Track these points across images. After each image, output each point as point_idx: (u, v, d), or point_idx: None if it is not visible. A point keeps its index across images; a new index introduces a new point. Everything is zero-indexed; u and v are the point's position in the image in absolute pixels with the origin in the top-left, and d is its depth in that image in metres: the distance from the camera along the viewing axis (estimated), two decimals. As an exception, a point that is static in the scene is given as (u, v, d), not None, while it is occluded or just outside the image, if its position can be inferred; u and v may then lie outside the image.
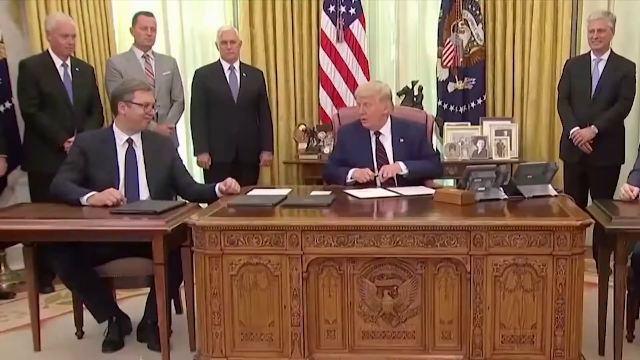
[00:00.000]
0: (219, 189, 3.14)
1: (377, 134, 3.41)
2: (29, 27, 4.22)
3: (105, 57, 4.50)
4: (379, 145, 3.41)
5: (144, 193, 3.11)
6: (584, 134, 3.94)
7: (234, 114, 4.25)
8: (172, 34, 5.06)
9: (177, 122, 4.40)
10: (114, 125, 3.16)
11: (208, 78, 4.28)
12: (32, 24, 4.19)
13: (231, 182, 3.15)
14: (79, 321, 3.21)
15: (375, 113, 3.33)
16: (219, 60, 4.36)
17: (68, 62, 3.93)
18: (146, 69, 4.22)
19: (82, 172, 3.05)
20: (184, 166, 3.36)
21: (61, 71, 3.90)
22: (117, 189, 3.02)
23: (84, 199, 2.92)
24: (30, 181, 4.02)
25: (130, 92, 3.08)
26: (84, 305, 3.15)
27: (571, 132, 4.00)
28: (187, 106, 4.41)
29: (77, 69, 3.97)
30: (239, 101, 4.28)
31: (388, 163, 3.38)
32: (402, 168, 3.30)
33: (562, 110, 4.13)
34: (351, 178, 3.33)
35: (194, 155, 4.39)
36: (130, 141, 3.13)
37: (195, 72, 4.40)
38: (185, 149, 4.90)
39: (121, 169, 3.08)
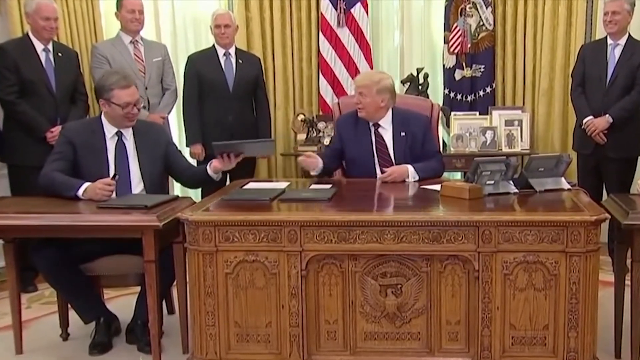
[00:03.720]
0: (211, 168, 3.13)
1: (376, 125, 3.41)
2: (7, 9, 4.20)
3: (91, 42, 4.49)
4: (379, 138, 3.41)
5: (137, 187, 3.12)
6: (597, 124, 3.94)
7: (229, 103, 4.26)
8: (162, 18, 5.06)
9: (169, 111, 4.40)
10: (102, 116, 3.16)
11: (202, 65, 4.29)
12: (11, 6, 4.17)
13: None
14: (64, 322, 3.22)
15: (370, 104, 3.33)
16: (213, 45, 4.36)
17: (50, 46, 3.92)
18: (135, 54, 4.21)
19: (71, 162, 3.05)
20: (179, 151, 3.37)
21: (42, 56, 3.89)
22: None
23: (80, 193, 2.92)
24: (10, 173, 4.01)
25: (108, 90, 3.05)
26: (69, 306, 3.15)
27: (584, 121, 4.00)
28: (180, 94, 4.41)
29: (59, 54, 3.96)
30: (234, 89, 4.28)
31: (389, 156, 3.38)
32: (411, 176, 3.26)
33: (575, 98, 4.14)
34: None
35: (187, 146, 4.39)
36: (119, 134, 3.13)
37: (188, 58, 4.40)
38: (177, 140, 4.90)
39: (111, 163, 3.09)
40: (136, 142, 3.15)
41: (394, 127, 3.40)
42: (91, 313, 3.09)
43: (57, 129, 3.58)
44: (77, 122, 3.43)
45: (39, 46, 3.88)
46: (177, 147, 3.36)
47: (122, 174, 3.07)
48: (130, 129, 3.15)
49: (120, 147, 3.13)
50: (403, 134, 3.39)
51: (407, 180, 3.24)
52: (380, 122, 3.40)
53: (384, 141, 3.40)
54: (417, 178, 3.24)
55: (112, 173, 3.04)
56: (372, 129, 3.41)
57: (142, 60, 4.22)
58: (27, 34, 3.91)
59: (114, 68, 3.93)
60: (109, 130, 3.12)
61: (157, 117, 4.14)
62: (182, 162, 3.28)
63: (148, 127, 3.31)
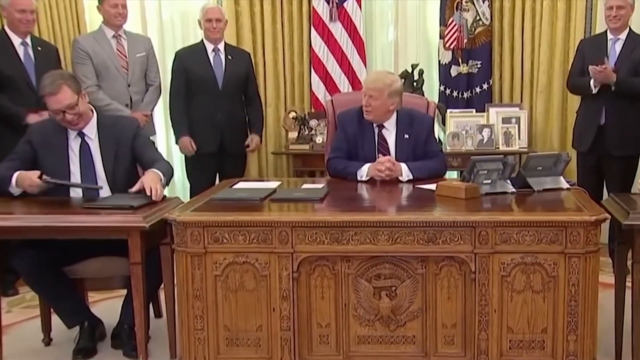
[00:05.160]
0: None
1: (380, 127, 3.39)
2: (-17, 3, 4.18)
3: (74, 37, 4.48)
4: (382, 140, 3.39)
5: (104, 190, 3.08)
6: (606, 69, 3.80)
7: (219, 100, 4.24)
8: (149, 11, 5.06)
9: (153, 108, 4.39)
10: None
11: (190, 61, 4.28)
12: (-14, -1, 4.16)
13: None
14: (46, 327, 3.21)
15: (380, 107, 3.30)
16: (201, 40, 4.35)
17: (28, 40, 3.91)
18: (118, 50, 4.19)
19: (28, 163, 3.02)
20: (149, 142, 3.33)
21: (20, 51, 3.88)
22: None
23: (13, 186, 2.93)
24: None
25: (41, 96, 3.03)
26: (52, 310, 3.14)
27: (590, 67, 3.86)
28: (165, 91, 4.40)
29: (39, 48, 3.94)
30: (224, 86, 4.27)
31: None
32: (405, 175, 3.23)
33: (573, 82, 4.09)
34: (367, 177, 3.23)
35: (176, 143, 4.37)
36: (82, 134, 3.10)
37: (176, 54, 4.38)
38: (164, 139, 4.90)
39: (76, 164, 3.06)
40: (101, 142, 3.11)
41: (398, 129, 3.38)
42: (75, 317, 3.07)
43: (43, 113, 3.52)
44: (46, 120, 3.38)
45: (16, 40, 3.87)
46: (144, 138, 3.26)
47: (89, 177, 3.06)
48: (95, 127, 3.12)
49: (84, 147, 3.10)
50: (407, 136, 3.36)
51: (400, 178, 3.23)
52: (384, 124, 3.38)
53: (387, 144, 3.38)
54: (410, 177, 3.23)
55: (77, 176, 3.04)
56: (376, 130, 3.39)
57: (125, 56, 4.19)
58: (3, 28, 3.90)
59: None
60: (71, 131, 3.10)
61: (140, 115, 4.11)
62: (146, 156, 3.15)
63: (114, 121, 3.26)
